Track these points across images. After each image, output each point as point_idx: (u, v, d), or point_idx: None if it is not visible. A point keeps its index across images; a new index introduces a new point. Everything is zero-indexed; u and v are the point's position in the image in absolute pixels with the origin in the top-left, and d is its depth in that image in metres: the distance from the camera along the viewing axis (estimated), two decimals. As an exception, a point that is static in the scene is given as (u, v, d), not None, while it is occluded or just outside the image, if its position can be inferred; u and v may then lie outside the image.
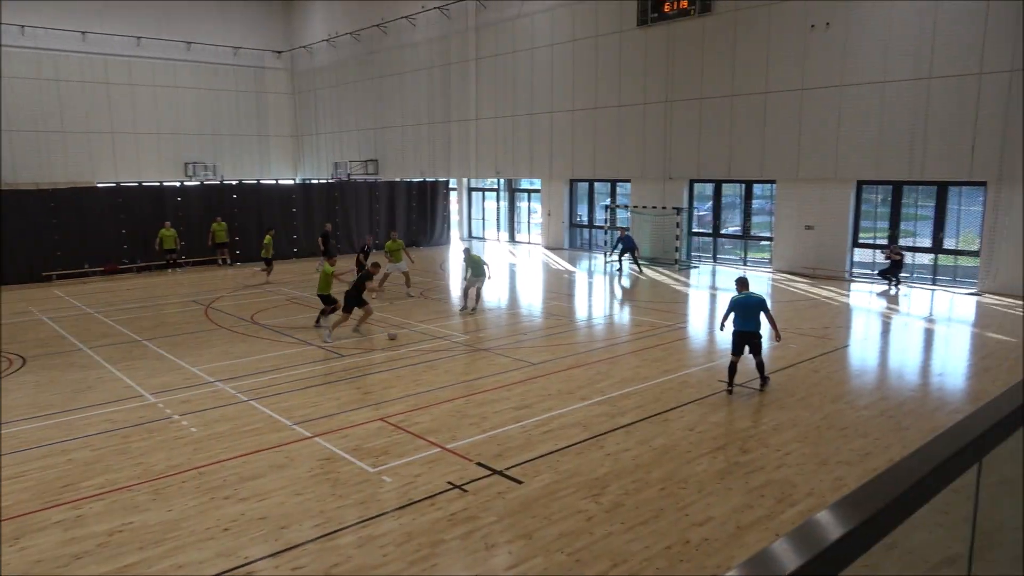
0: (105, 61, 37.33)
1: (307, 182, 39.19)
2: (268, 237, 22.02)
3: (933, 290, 19.11)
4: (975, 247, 19.00)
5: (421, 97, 35.26)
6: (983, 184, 18.32)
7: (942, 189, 19.50)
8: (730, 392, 10.17)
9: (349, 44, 39.13)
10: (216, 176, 40.10)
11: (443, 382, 10.92)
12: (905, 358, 12.94)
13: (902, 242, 20.10)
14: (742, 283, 10.59)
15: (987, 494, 1.76)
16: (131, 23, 37.82)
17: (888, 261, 19.16)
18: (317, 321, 14.91)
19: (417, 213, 30.97)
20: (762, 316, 10.05)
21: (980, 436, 1.55)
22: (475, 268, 16.16)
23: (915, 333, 14.89)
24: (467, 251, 16.82)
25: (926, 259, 20.19)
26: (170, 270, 23.92)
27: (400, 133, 36.99)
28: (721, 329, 10.73)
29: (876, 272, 20.03)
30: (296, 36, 43.46)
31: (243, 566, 5.80)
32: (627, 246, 22.38)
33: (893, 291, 18.81)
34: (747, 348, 10.09)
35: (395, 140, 37.42)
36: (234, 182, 30.43)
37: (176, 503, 6.94)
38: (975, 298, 17.79)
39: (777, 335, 10.32)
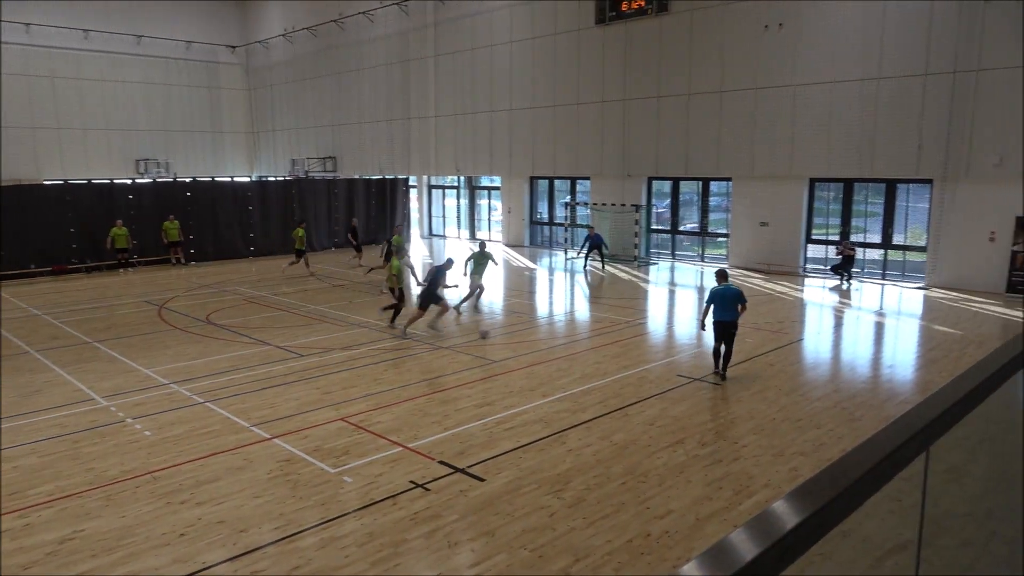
0: (50, 54, 36.12)
1: (264, 179, 38.57)
2: (300, 230, 22.19)
3: (883, 285, 19.66)
4: (922, 243, 19.61)
5: (380, 94, 34.95)
6: (929, 182, 18.91)
7: (891, 187, 20.07)
8: (719, 375, 10.71)
9: (306, 39, 38.57)
10: (169, 173, 39.17)
11: (404, 381, 10.85)
12: (857, 351, 13.30)
13: (853, 238, 20.64)
14: (722, 275, 10.94)
15: (935, 482, 1.82)
16: (77, 16, 36.67)
17: (840, 257, 19.67)
18: (392, 320, 14.48)
19: (377, 211, 30.71)
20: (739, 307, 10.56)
21: (927, 426, 1.60)
22: (479, 267, 16.04)
23: (866, 327, 15.31)
24: (483, 246, 16.63)
25: (876, 255, 20.76)
26: (122, 270, 23.30)
27: (358, 130, 36.61)
28: (702, 327, 11.02)
29: (828, 267, 20.53)
30: (251, 31, 42.66)
31: (201, 571, 5.69)
32: (594, 244, 22.57)
33: (845, 286, 19.30)
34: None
35: (354, 137, 37.03)
36: (188, 179, 29.74)
37: (130, 509, 6.78)
38: (922, 292, 18.37)
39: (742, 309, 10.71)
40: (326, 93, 38.14)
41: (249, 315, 16.08)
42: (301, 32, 38.55)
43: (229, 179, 38.84)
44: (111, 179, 34.25)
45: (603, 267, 22.76)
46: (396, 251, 18.36)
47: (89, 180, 33.51)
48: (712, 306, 10.63)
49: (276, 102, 42.05)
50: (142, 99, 39.59)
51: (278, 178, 37.96)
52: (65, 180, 32.17)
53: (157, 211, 24.21)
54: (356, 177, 32.98)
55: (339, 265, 24.11)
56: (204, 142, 42.56)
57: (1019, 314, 15.46)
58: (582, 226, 23.97)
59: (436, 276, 13.95)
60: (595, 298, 18.54)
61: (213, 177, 40.24)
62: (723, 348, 10.67)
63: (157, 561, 5.85)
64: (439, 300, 13.86)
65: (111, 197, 23.94)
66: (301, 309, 16.59)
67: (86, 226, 22.93)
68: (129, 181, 32.14)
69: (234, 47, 42.85)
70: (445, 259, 14.68)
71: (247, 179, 40.80)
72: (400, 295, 14.44)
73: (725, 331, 10.58)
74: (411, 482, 7.25)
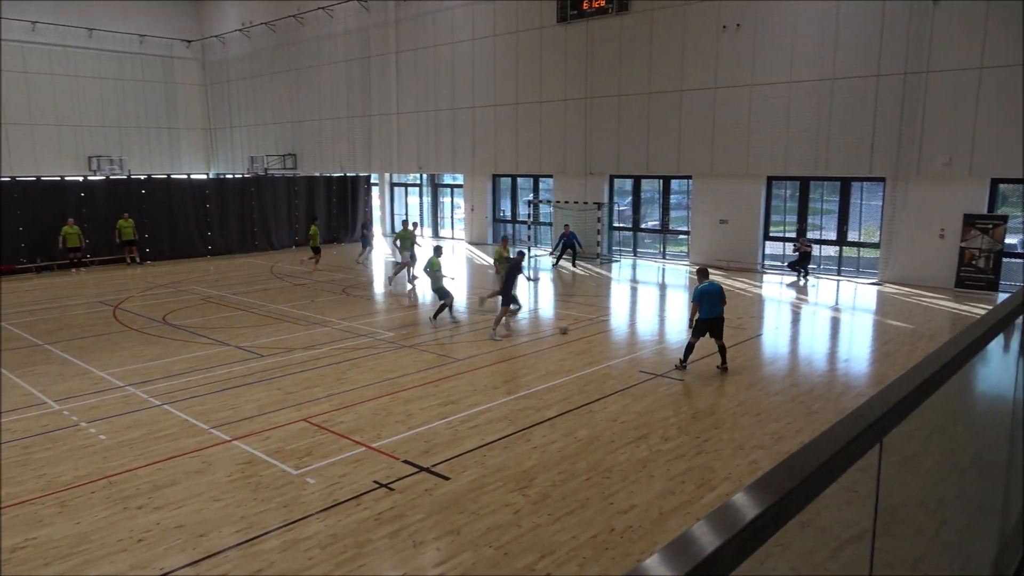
0: (-5, 47, 34.94)
1: (222, 177, 37.83)
2: (313, 228, 22.44)
3: (838, 280, 20.13)
4: (876, 240, 20.12)
5: (340, 90, 34.57)
6: (882, 180, 19.41)
7: (845, 185, 20.55)
8: (683, 367, 11.01)
9: (264, 34, 37.95)
10: (123, 170, 38.17)
11: (367, 380, 10.77)
12: (814, 345, 13.60)
13: (809, 235, 21.09)
14: (704, 273, 11.28)
15: (889, 472, 1.87)
16: (23, 7, 35.48)
17: (797, 253, 20.10)
18: (435, 316, 14.74)
19: (338, 208, 30.38)
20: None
21: (881, 418, 1.65)
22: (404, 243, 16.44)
23: (822, 322, 15.65)
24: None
25: (831, 251, 21.25)
26: (74, 270, 22.66)
27: (319, 127, 36.17)
28: (691, 325, 10.99)
29: (786, 264, 20.94)
30: (207, 25, 41.79)
31: (159, 577, 5.58)
32: (567, 243, 22.71)
33: (802, 282, 19.71)
34: (709, 333, 10.85)
35: (314, 134, 36.57)
36: (143, 177, 28.97)
37: (84, 515, 6.61)
38: (876, 288, 18.85)
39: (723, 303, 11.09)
40: (285, 89, 37.58)
41: (208, 315, 15.78)
42: (259, 27, 37.91)
43: (186, 176, 37.95)
44: (62, 176, 33.23)
45: (573, 264, 22.88)
46: (403, 242, 18.76)
47: (38, 177, 32.45)
48: (701, 304, 10.76)
49: (234, 98, 41.30)
50: (94, 94, 38.51)
51: (236, 176, 37.27)
52: (12, 177, 31.11)
53: (111, 209, 23.59)
54: (317, 175, 32.57)
55: (347, 263, 23.79)
56: (159, 139, 41.60)
57: (968, 308, 15.97)
58: (545, 223, 23.98)
59: (514, 271, 14.04)
60: (559, 296, 18.62)
61: (169, 174, 39.23)
62: (716, 343, 10.93)
63: (114, 568, 5.71)
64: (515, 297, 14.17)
65: (62, 195, 23.26)
66: (261, 309, 16.34)
67: (36, 225, 22.24)
68: (81, 178, 31.24)
69: (190, 41, 41.94)
70: (515, 252, 14.96)
71: (204, 177, 39.95)
72: (441, 292, 14.69)
73: (715, 326, 10.81)
74: (375, 482, 7.21)
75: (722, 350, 10.98)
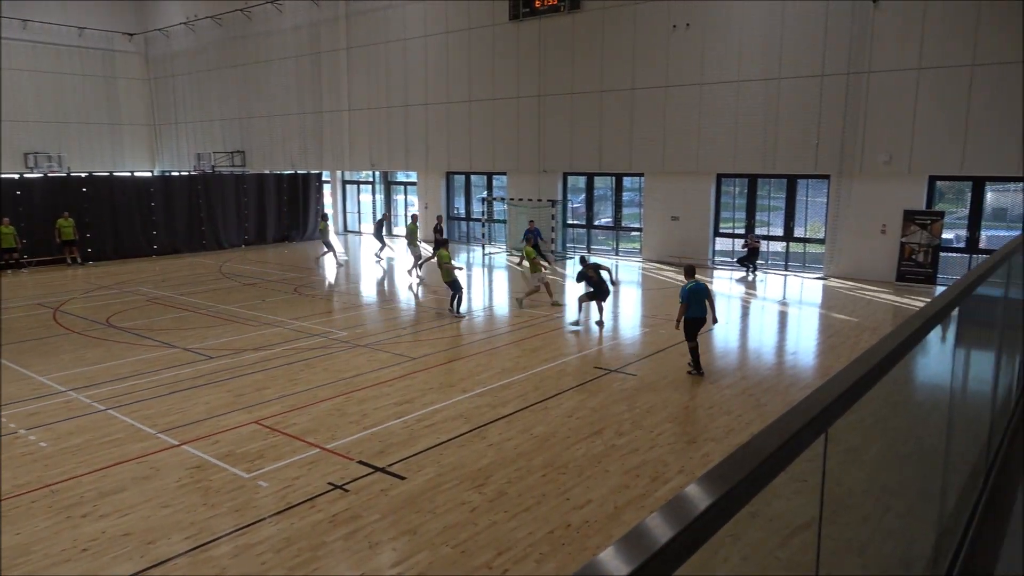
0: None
1: (167, 174, 36.82)
2: (323, 224, 23.23)
3: (785, 275, 20.64)
4: (821, 235, 20.69)
5: (290, 86, 33.98)
6: (827, 177, 19.96)
7: (792, 182, 21.07)
8: (699, 373, 10.62)
9: (210, 28, 37.05)
10: (62, 168, 36.84)
11: (321, 380, 10.62)
12: (762, 339, 13.91)
13: (757, 231, 21.56)
14: (691, 271, 10.87)
15: (834, 462, 1.93)
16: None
17: (746, 249, 20.54)
18: (451, 308, 15.12)
19: (289, 207, 29.86)
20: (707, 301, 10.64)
21: (826, 409, 1.69)
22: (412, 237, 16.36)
23: (771, 316, 16.03)
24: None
25: (779, 247, 21.77)
26: (10, 271, 21.79)
27: (268, 124, 35.50)
28: (678, 325, 10.68)
29: (735, 260, 21.37)
30: (150, 18, 40.60)
31: (105, 587, 5.41)
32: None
33: (751, 277, 20.15)
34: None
35: (263, 131, 35.87)
36: (83, 174, 27.97)
37: (25, 525, 6.37)
38: (821, 282, 19.38)
39: (715, 317, 10.78)
40: (233, 85, 36.76)
41: (153, 316, 15.35)
42: (204, 21, 36.99)
43: (129, 174, 36.83)
44: (-4, 174, 31.92)
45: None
46: (410, 236, 18.59)
47: (-29, 175, 31.10)
48: (689, 304, 10.44)
49: (179, 93, 40.23)
50: (30, 88, 37.08)
51: (183, 173, 36.33)
52: (-57, 175, 29.76)
53: (49, 208, 22.73)
54: (266, 172, 31.96)
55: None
56: (101, 135, 40.28)
57: (908, 301, 16.54)
58: (499, 221, 23.89)
59: (589, 275, 14.06)
60: (514, 293, 18.65)
61: (111, 171, 38.10)
62: (691, 344, 10.60)
63: (56, 579, 5.52)
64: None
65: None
66: (210, 309, 15.97)
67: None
68: (17, 176, 30.04)
69: (131, 35, 40.68)
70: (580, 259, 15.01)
71: (149, 174, 38.83)
72: (454, 283, 14.98)
73: (698, 327, 10.55)
74: (329, 484, 7.12)
75: (693, 351, 10.68)
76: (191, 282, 19.79)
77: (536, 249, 22.77)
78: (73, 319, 15.15)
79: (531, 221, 23.84)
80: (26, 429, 8.74)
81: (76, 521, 6.43)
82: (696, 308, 10.53)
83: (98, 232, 23.81)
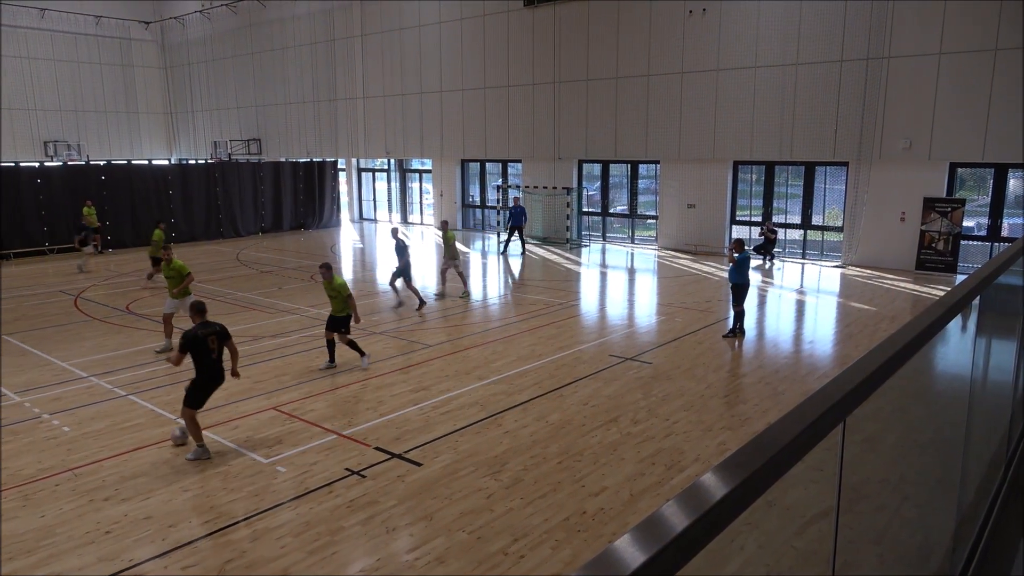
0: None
1: (184, 163, 37.08)
2: (158, 232, 22.40)
3: (803, 264, 20.47)
4: (839, 223, 20.48)
5: (305, 74, 34.02)
6: (845, 164, 19.73)
7: (809, 169, 20.85)
8: (740, 335, 12.25)
9: (225, 16, 37.12)
10: (81, 156, 37.16)
11: (338, 367, 10.70)
12: (780, 328, 13.84)
13: (774, 219, 21.38)
14: (741, 244, 12.07)
15: (852, 451, 1.92)
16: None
17: (762, 237, 20.38)
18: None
19: (305, 195, 29.97)
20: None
21: (844, 398, 1.69)
22: (449, 249, 15.48)
23: (788, 304, 15.92)
24: (444, 225, 16.14)
25: (796, 235, 21.58)
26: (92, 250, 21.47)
27: (284, 111, 35.58)
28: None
29: (752, 248, 21.20)
30: (166, 6, 40.72)
31: (128, 569, 5.51)
32: (515, 224, 22.27)
33: (767, 265, 20.01)
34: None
35: (279, 119, 35.97)
36: (102, 163, 28.17)
37: (49, 508, 6.49)
38: (839, 270, 19.22)
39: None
40: (248, 73, 36.86)
41: (172, 304, 15.48)
42: (219, 8, 37.06)
43: (147, 162, 37.15)
44: (16, 162, 32.29)
45: (522, 250, 22.61)
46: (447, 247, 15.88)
47: (-8, 163, 31.50)
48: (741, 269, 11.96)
49: (195, 81, 40.39)
50: (48, 77, 37.37)
51: (199, 161, 36.55)
52: (-35, 164, 30.14)
53: (69, 196, 22.98)
54: (282, 160, 32.08)
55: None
56: (118, 123, 40.55)
57: (928, 290, 16.36)
58: (515, 199, 23.51)
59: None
60: (529, 281, 18.66)
61: (129, 160, 38.44)
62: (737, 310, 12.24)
63: (81, 560, 5.63)
64: None
65: (17, 181, 22.59)
66: (228, 297, 16.11)
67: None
68: (37, 164, 30.37)
69: (147, 23, 40.85)
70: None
71: (166, 162, 39.14)
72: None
73: (745, 292, 12.18)
74: (347, 469, 7.19)
75: (741, 315, 12.22)
76: (209, 269, 19.95)
77: (519, 231, 22.38)
78: (94, 306, 15.34)
79: (516, 198, 23.53)
80: (49, 413, 8.89)
81: (99, 504, 6.54)
82: (745, 274, 11.95)
83: (117, 220, 24.04)
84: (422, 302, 14.64)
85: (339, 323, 10.53)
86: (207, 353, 7.56)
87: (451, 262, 15.59)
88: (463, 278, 15.87)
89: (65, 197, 22.98)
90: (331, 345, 10.58)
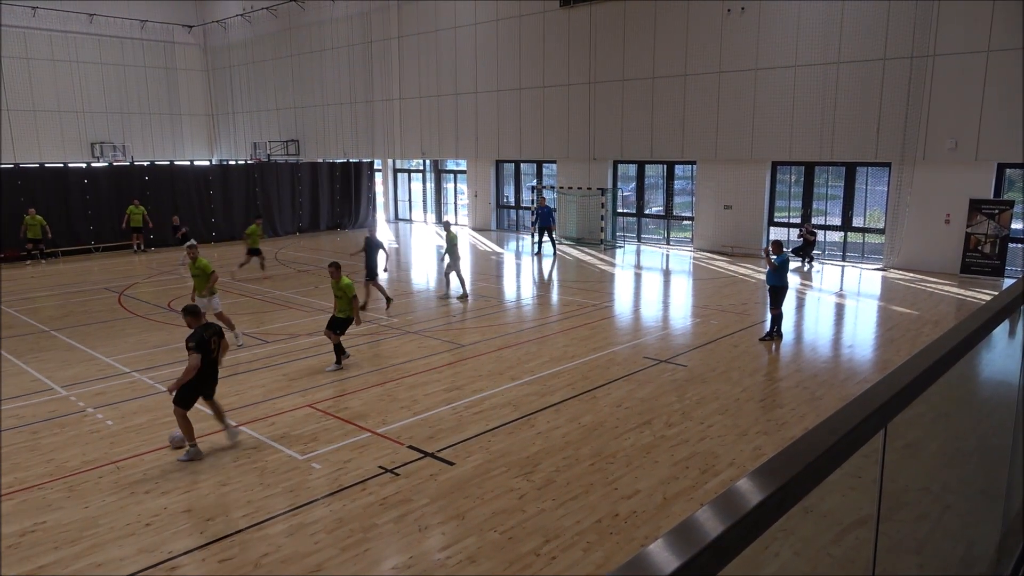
0: (-4, 33, 34.83)
1: (224, 163, 37.79)
2: (253, 226, 23.15)
3: (843, 266, 20.08)
4: (881, 225, 20.04)
5: (342, 75, 34.43)
6: (887, 165, 19.30)
7: (850, 170, 20.44)
8: (772, 338, 12.11)
9: (265, 19, 37.77)
10: (126, 157, 38.13)
11: (372, 366, 10.80)
12: (818, 331, 13.59)
13: (814, 220, 21.01)
14: (779, 246, 12.07)
15: (893, 458, 1.88)
16: (26, -7, 35.37)
17: (801, 239, 20.04)
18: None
19: (341, 195, 30.34)
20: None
21: (885, 403, 1.65)
22: (452, 250, 15.66)
23: (827, 307, 15.63)
24: (447, 226, 16.20)
25: (836, 237, 21.17)
26: (30, 262, 21.38)
27: (322, 112, 36.06)
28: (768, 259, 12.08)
29: (790, 250, 20.86)
30: (208, 10, 41.59)
31: (167, 561, 5.64)
32: (543, 224, 22.21)
33: (806, 268, 19.66)
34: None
35: (316, 120, 36.47)
36: (145, 163, 28.87)
37: (92, 500, 6.67)
38: (881, 273, 18.80)
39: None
40: (287, 75, 37.45)
41: (212, 302, 15.79)
42: (260, 12, 37.72)
43: (189, 163, 37.93)
44: (65, 163, 33.25)
45: (554, 251, 22.61)
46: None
47: (42, 164, 32.49)
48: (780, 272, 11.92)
49: (236, 84, 41.17)
50: (95, 80, 38.42)
51: (239, 162, 37.23)
52: (16, 164, 31.16)
53: (114, 196, 23.59)
54: (320, 161, 32.51)
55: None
56: (162, 125, 41.54)
57: (973, 294, 15.92)
58: (542, 199, 23.43)
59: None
60: (562, 282, 18.61)
61: (172, 161, 39.32)
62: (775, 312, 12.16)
63: (122, 552, 5.77)
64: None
65: (65, 181, 23.26)
66: (266, 295, 16.38)
67: (39, 212, 22.17)
68: (84, 165, 31.26)
69: (191, 27, 41.77)
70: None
71: (207, 163, 39.91)
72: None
73: (784, 294, 12.13)
74: (380, 467, 7.25)
75: (779, 319, 12.12)
76: (248, 268, 20.30)
77: (548, 231, 22.40)
78: (137, 303, 15.73)
79: (543, 197, 23.43)
80: (94, 408, 9.13)
81: (140, 497, 6.70)
82: (776, 278, 11.88)
83: (160, 220, 24.59)
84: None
85: (339, 324, 10.66)
86: (208, 354, 7.65)
87: (454, 263, 15.81)
88: (461, 280, 15.91)
89: (111, 197, 23.59)
90: (338, 347, 10.70)
